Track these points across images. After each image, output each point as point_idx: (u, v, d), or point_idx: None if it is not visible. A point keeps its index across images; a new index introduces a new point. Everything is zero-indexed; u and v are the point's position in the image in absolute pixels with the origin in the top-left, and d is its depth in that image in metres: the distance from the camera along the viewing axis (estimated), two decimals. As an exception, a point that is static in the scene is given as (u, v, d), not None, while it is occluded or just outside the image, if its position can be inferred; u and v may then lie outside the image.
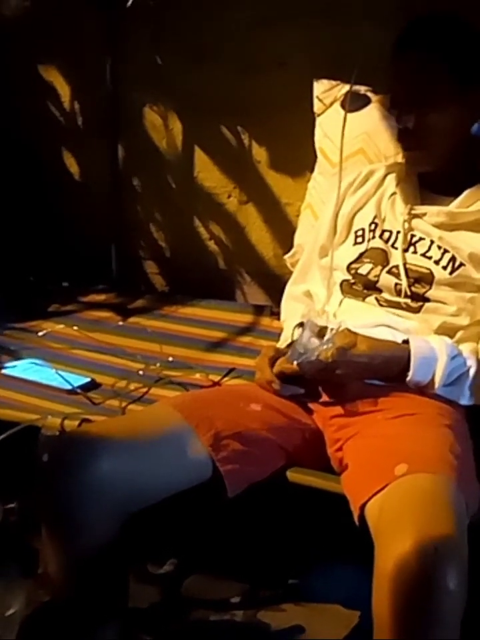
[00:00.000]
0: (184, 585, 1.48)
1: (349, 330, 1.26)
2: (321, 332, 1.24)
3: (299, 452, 1.25)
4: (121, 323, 1.83)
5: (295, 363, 1.23)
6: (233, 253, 1.99)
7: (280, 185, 1.88)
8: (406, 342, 1.26)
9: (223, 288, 2.00)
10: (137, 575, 1.41)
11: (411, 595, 0.92)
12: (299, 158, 1.80)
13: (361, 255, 1.41)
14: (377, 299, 1.38)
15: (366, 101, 1.65)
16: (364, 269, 1.39)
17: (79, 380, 1.55)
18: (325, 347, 1.22)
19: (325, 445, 1.26)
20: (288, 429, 1.24)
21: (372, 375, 1.25)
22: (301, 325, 1.33)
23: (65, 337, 1.76)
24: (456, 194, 1.35)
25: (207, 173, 1.94)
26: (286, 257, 1.75)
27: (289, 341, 1.39)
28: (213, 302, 1.88)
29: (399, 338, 1.29)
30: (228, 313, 1.84)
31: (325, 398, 1.28)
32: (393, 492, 1.04)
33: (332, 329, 1.24)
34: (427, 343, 1.26)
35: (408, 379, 1.24)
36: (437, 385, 1.24)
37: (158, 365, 1.62)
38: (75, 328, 1.78)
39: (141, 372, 1.60)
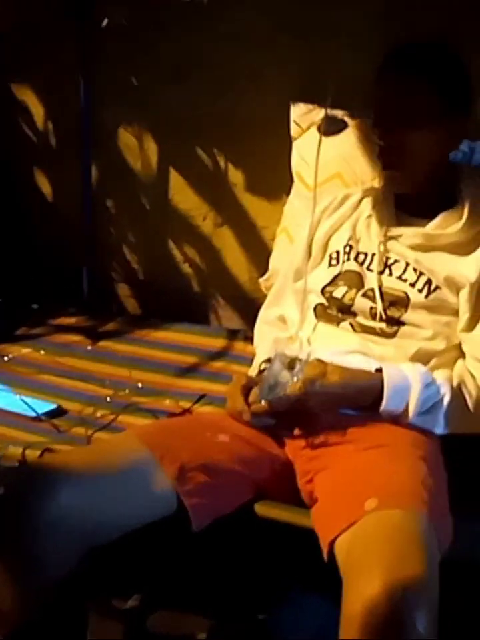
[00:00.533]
0: (149, 621, 1.43)
1: (319, 360, 1.23)
2: (291, 363, 1.21)
3: (268, 484, 1.21)
4: (90, 348, 1.78)
5: (263, 401, 1.21)
6: (207, 275, 1.96)
7: (256, 208, 1.85)
8: (379, 370, 1.23)
9: (197, 311, 1.96)
10: (101, 610, 1.36)
11: (378, 629, 0.89)
12: (275, 181, 1.78)
13: (335, 277, 1.39)
14: (351, 323, 1.35)
15: (343, 126, 1.63)
16: (339, 292, 1.37)
17: (44, 406, 1.50)
18: (295, 379, 1.19)
19: (295, 477, 1.22)
20: (257, 460, 1.21)
21: (344, 405, 1.23)
22: (269, 360, 1.30)
23: (32, 361, 1.71)
24: (432, 217, 1.34)
25: (182, 194, 1.91)
26: (261, 280, 1.72)
27: (260, 368, 1.35)
28: (186, 325, 1.84)
29: (373, 365, 1.26)
30: (201, 337, 1.81)
31: (296, 431, 1.24)
32: (362, 528, 1.01)
33: (302, 360, 1.21)
34: (400, 371, 1.23)
35: (381, 408, 1.21)
36: (410, 415, 1.22)
37: (127, 391, 1.58)
38: (42, 352, 1.73)
39: (108, 399, 1.55)
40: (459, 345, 1.33)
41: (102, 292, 2.04)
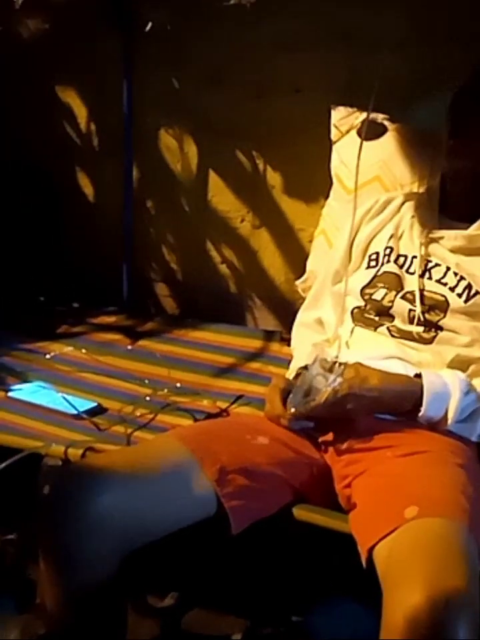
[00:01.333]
0: (184, 620, 1.44)
1: (360, 364, 1.23)
2: (330, 367, 1.22)
3: (306, 488, 1.22)
4: (129, 347, 1.80)
5: (293, 408, 1.22)
6: (244, 277, 1.97)
7: (293, 211, 1.86)
8: (418, 376, 1.23)
9: (233, 312, 1.98)
10: (137, 607, 1.38)
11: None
12: (313, 184, 1.79)
13: (374, 278, 1.38)
14: (388, 328, 1.35)
15: (383, 130, 1.63)
16: (378, 294, 1.37)
17: (85, 404, 1.53)
18: (333, 383, 1.20)
19: (333, 481, 1.22)
20: (295, 463, 1.21)
21: (383, 409, 1.23)
22: (305, 367, 1.30)
23: (73, 359, 1.74)
24: (473, 220, 1.33)
25: (221, 196, 1.93)
26: (297, 282, 1.73)
27: (297, 373, 1.36)
28: (223, 326, 1.86)
29: (410, 371, 1.27)
30: (237, 338, 1.82)
31: (333, 435, 1.24)
32: (402, 536, 1.00)
33: (341, 365, 1.22)
34: (440, 377, 1.23)
35: (420, 414, 1.21)
36: (449, 422, 1.21)
37: (166, 390, 1.60)
38: (83, 351, 1.76)
39: (148, 397, 1.57)
40: (496, 353, 1.32)
41: (141, 291, 2.07)
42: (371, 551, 1.04)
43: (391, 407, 1.23)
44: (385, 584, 0.96)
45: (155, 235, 2.03)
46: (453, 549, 0.97)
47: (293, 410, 1.22)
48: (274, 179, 1.86)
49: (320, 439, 1.26)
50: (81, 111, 2.01)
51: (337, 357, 1.30)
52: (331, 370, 1.22)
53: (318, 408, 1.20)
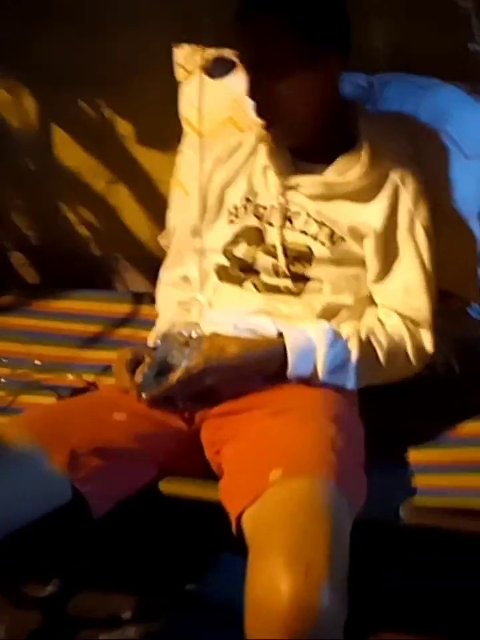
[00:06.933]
0: (70, 605, 1.38)
1: (216, 334, 1.18)
2: (186, 341, 1.15)
3: (175, 460, 1.15)
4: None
5: (144, 395, 1.14)
6: (106, 237, 1.84)
7: (150, 161, 1.73)
8: (281, 335, 1.18)
9: (100, 276, 1.86)
10: (14, 600, 1.30)
11: (284, 622, 0.85)
12: (167, 130, 1.65)
13: (236, 235, 1.30)
14: (254, 283, 1.28)
15: (231, 66, 1.52)
16: (239, 251, 1.29)
17: None
18: (190, 358, 1.13)
19: (204, 450, 1.16)
20: (159, 436, 1.15)
21: (246, 377, 1.17)
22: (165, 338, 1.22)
23: None
24: (331, 160, 1.26)
25: (68, 151, 1.77)
26: (159, 238, 1.62)
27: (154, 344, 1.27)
28: (88, 292, 1.73)
29: (279, 326, 1.21)
30: (104, 304, 1.70)
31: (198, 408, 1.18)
32: (266, 502, 0.97)
33: (198, 337, 1.15)
34: (304, 333, 1.18)
35: (288, 374, 1.17)
36: (320, 376, 1.17)
37: (26, 368, 1.48)
38: None
39: (3, 379, 1.45)
40: (368, 297, 1.28)
41: (-6, 262, 1.90)
42: (239, 519, 0.99)
43: (255, 373, 1.18)
44: (250, 555, 0.92)
45: (2, 199, 1.85)
46: (316, 510, 0.94)
47: (144, 395, 1.14)
48: (124, 127, 1.72)
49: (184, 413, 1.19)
50: None
51: (196, 322, 1.24)
52: (186, 344, 1.15)
53: (172, 388, 1.13)
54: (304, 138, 1.25)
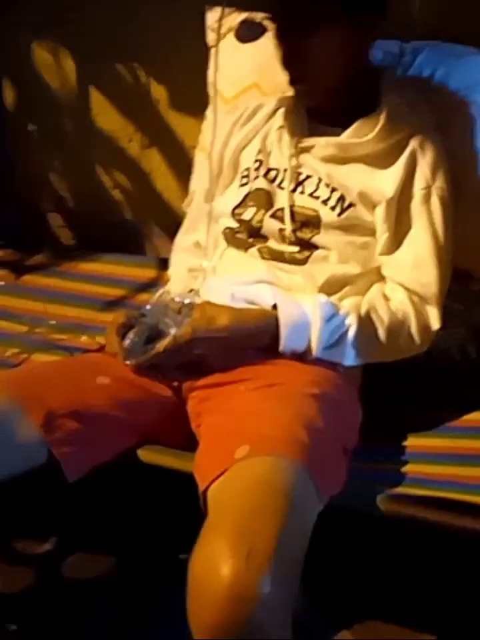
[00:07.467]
0: (64, 565, 1.37)
1: (208, 303, 1.15)
2: (179, 309, 1.13)
3: (157, 429, 1.13)
4: (10, 283, 1.69)
5: (129, 361, 1.12)
6: (138, 202, 1.85)
7: (182, 127, 1.72)
8: (276, 307, 1.14)
9: (131, 240, 1.86)
10: (5, 555, 1.32)
11: (222, 606, 0.81)
12: (200, 97, 1.63)
13: (246, 197, 1.27)
14: (259, 250, 1.24)
15: (261, 29, 1.48)
16: (248, 214, 1.26)
17: None
18: (180, 326, 1.10)
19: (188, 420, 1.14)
20: (142, 403, 1.12)
21: (235, 349, 1.14)
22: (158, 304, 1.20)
23: None
24: (348, 125, 1.21)
25: (105, 115, 1.78)
26: (183, 204, 1.60)
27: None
28: (116, 256, 1.74)
29: (277, 297, 1.16)
30: (130, 268, 1.70)
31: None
32: (229, 479, 0.92)
33: (186, 305, 1.13)
34: (299, 306, 1.14)
35: (280, 348, 1.13)
36: (314, 351, 1.13)
37: (44, 327, 1.50)
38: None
39: (21, 337, 1.46)
40: (377, 269, 1.23)
41: (34, 224, 1.93)
42: (205, 493, 0.95)
43: (246, 345, 1.14)
44: (202, 529, 0.88)
45: (41, 161, 1.88)
46: (273, 493, 0.89)
47: (129, 361, 1.12)
48: (159, 92, 1.71)
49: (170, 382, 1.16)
50: None
51: (196, 290, 1.21)
52: (179, 311, 1.13)
53: (158, 357, 1.11)
54: (327, 98, 1.20)
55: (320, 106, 1.23)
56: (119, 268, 1.71)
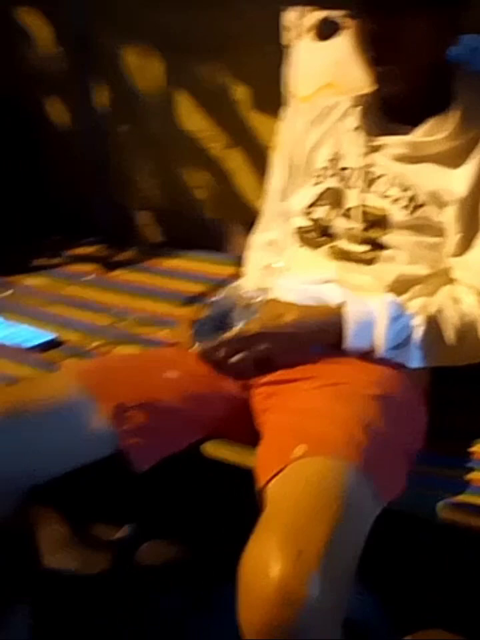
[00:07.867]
0: (139, 551, 1.42)
1: (276, 300, 1.16)
2: (248, 304, 1.15)
3: (223, 424, 1.15)
4: (98, 277, 1.78)
5: (197, 344, 1.14)
6: (220, 201, 1.89)
7: (263, 126, 1.74)
8: (342, 305, 1.15)
9: (213, 238, 1.90)
10: (85, 539, 1.38)
11: (270, 607, 0.81)
12: (279, 96, 1.66)
13: (318, 196, 1.28)
14: (329, 249, 1.25)
15: (338, 28, 1.48)
16: (319, 213, 1.27)
17: (40, 337, 1.51)
18: (249, 319, 1.13)
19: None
20: (209, 398, 1.14)
21: (302, 346, 1.15)
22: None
23: (39, 291, 1.72)
24: (420, 122, 1.20)
25: (190, 116, 1.83)
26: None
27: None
28: (198, 253, 1.80)
29: (347, 297, 1.17)
30: (210, 265, 1.76)
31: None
32: (285, 478, 0.93)
33: (255, 302, 1.15)
34: (365, 305, 1.14)
35: (344, 346, 1.13)
36: (380, 351, 1.13)
37: (128, 321, 1.57)
38: (49, 282, 1.74)
39: (105, 329, 1.53)
40: (445, 270, 1.21)
41: (122, 221, 2.02)
42: (262, 490, 0.96)
43: (311, 342, 1.15)
44: (256, 527, 0.89)
45: (130, 161, 1.96)
46: (327, 495, 0.89)
47: (196, 346, 1.15)
48: (240, 92, 1.75)
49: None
50: (42, 35, 1.93)
51: (266, 288, 1.23)
52: (248, 306, 1.15)
53: (223, 345, 1.13)
54: (406, 84, 1.18)
55: (395, 98, 1.22)
56: (201, 265, 1.78)
